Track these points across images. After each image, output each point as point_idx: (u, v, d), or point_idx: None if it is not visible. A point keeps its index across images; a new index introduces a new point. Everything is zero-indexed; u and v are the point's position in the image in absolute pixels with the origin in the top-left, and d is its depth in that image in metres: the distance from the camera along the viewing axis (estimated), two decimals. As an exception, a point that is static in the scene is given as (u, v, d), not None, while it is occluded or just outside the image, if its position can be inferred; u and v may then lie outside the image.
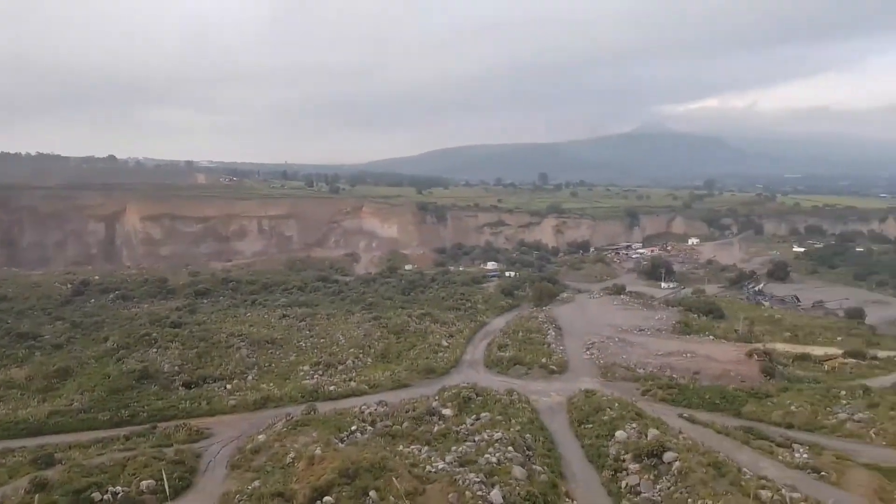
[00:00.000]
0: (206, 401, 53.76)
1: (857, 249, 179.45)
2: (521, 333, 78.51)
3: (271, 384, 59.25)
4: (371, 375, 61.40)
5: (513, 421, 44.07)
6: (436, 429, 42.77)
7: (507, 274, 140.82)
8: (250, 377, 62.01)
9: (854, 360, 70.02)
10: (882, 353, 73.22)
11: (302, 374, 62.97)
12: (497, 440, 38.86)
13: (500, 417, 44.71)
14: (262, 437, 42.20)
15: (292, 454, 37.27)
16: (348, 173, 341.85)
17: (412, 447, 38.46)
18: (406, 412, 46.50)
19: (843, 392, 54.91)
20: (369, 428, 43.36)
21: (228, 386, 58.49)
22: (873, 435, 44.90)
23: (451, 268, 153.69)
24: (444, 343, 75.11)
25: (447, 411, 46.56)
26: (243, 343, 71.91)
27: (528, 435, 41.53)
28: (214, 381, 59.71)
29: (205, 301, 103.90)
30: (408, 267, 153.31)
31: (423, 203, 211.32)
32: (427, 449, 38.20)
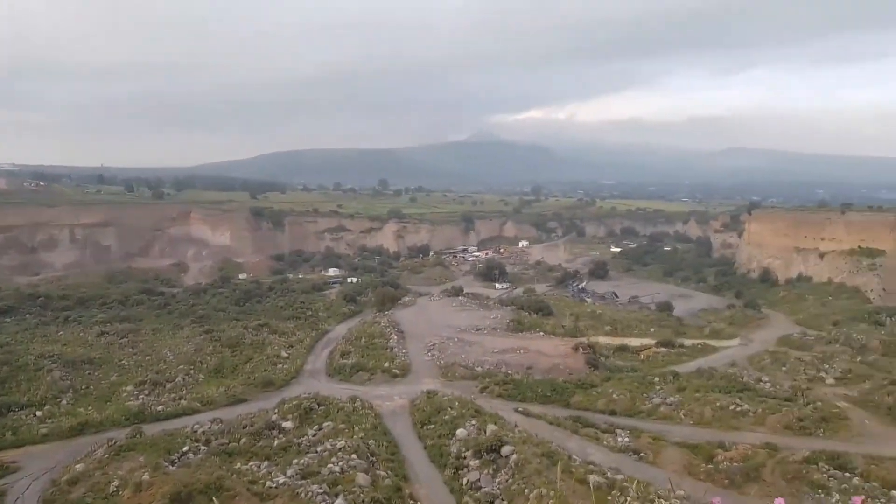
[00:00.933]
0: (10, 431, 47.52)
1: (665, 249, 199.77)
2: (363, 339, 78.09)
3: (90, 408, 53.80)
4: (204, 392, 57.85)
5: (356, 428, 43.67)
6: (276, 443, 41.25)
7: (349, 280, 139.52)
8: (65, 401, 55.82)
9: (665, 349, 77.74)
10: (688, 342, 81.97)
11: (125, 394, 57.83)
12: (340, 449, 38.29)
13: (343, 426, 44.11)
14: (80, 467, 38.02)
15: (116, 482, 34.01)
16: (173, 177, 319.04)
17: (251, 464, 36.78)
18: (243, 428, 44.33)
19: (657, 379, 60.68)
20: (203, 448, 40.74)
21: (39, 413, 52.15)
22: (682, 416, 50.11)
23: (290, 275, 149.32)
24: (284, 354, 72.76)
25: (288, 424, 45.07)
26: (55, 364, 64.45)
27: (371, 441, 41.35)
28: (21, 409, 52.92)
29: (7, 320, 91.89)
30: (242, 276, 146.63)
31: (257, 208, 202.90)
32: (267, 464, 36.73)
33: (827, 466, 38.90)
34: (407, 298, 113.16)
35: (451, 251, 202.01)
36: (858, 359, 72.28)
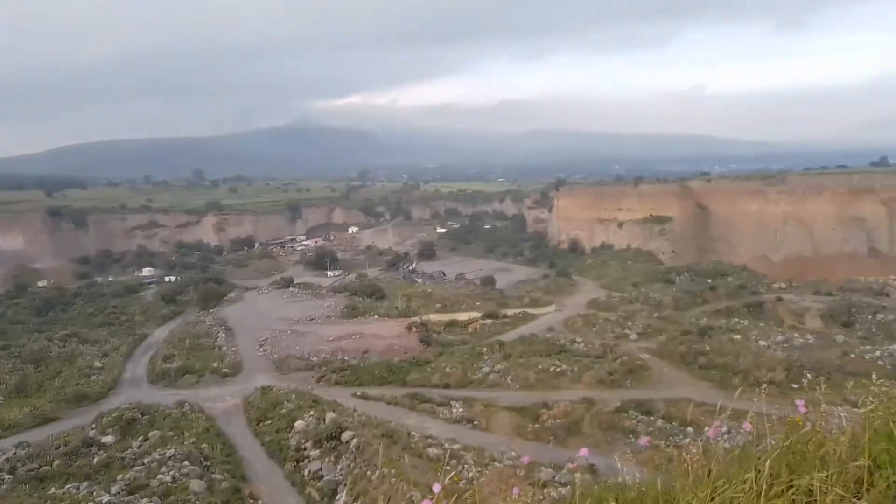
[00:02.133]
0: None
1: (486, 227, 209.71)
2: (188, 340, 73.72)
3: None
4: (5, 415, 51.45)
5: (186, 434, 41.48)
6: (96, 460, 37.97)
7: (166, 279, 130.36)
8: None
9: (490, 321, 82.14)
10: (510, 312, 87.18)
11: None
12: (170, 457, 36.25)
13: (171, 433, 41.65)
14: None
15: None
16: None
17: (68, 486, 33.62)
18: (56, 449, 40.17)
19: (485, 349, 64.08)
20: (8, 476, 36.42)
21: None
22: (509, 382, 53.57)
23: (99, 279, 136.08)
24: (98, 364, 66.60)
25: (108, 438, 41.59)
26: None
27: (204, 445, 39.55)
28: None
29: None
30: (42, 283, 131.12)
31: (55, 208, 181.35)
32: (87, 484, 33.79)
33: (635, 413, 44.02)
34: (233, 294, 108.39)
35: (279, 241, 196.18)
36: (655, 315, 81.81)
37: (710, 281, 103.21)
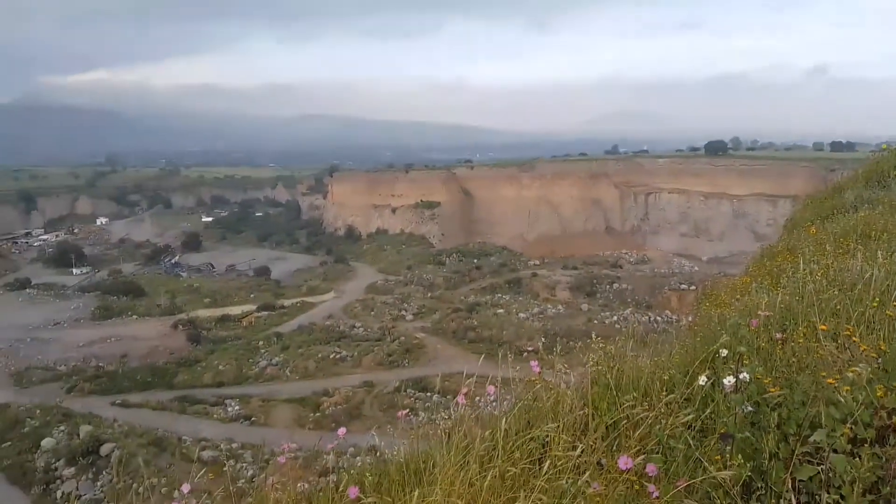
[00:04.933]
0: None
1: (257, 214, 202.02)
2: None
3: None
4: None
5: None
6: None
7: None
8: None
9: (266, 313, 79.66)
10: (287, 302, 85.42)
11: None
12: None
13: None
14: None
15: None
16: None
17: None
18: None
19: (261, 342, 62.13)
20: None
21: None
22: (288, 373, 52.62)
23: None
24: None
25: None
26: None
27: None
28: None
29: None
30: None
31: None
32: None
33: (413, 391, 45.89)
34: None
35: (10, 237, 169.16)
36: (429, 295, 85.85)
37: (475, 261, 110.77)
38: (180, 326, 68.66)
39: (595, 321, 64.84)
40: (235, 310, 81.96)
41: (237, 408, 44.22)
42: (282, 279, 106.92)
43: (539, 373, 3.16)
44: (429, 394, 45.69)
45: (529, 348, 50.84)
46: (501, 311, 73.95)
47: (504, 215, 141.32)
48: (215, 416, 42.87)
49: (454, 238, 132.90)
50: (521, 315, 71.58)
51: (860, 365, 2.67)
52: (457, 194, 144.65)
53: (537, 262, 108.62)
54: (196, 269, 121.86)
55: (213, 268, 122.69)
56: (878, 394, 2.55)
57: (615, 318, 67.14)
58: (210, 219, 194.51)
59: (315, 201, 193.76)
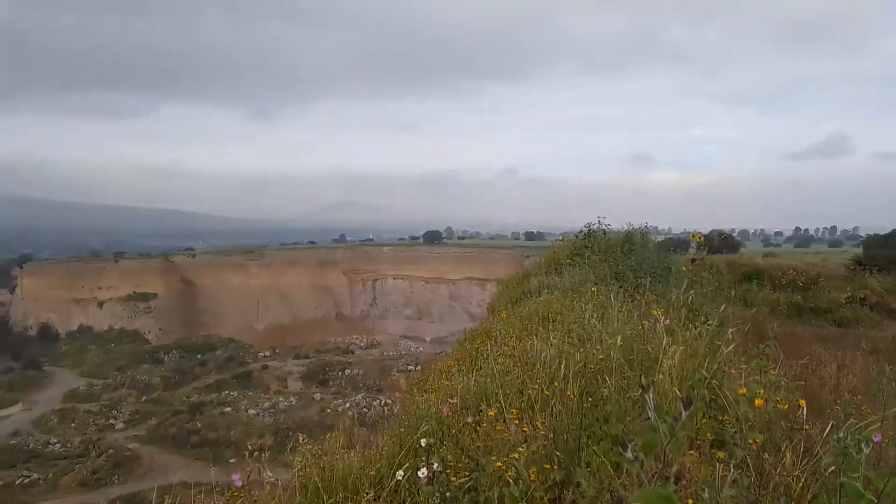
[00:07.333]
0: None
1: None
2: None
3: None
4: None
5: None
6: None
7: None
8: None
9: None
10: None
11: None
12: None
13: None
14: None
15: None
16: None
17: None
18: None
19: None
20: None
21: None
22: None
23: None
24: None
25: None
26: None
27: None
28: None
29: None
30: None
31: None
32: None
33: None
34: None
35: None
36: (143, 398, 77.30)
37: (199, 356, 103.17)
38: None
39: (328, 410, 64.42)
40: None
41: None
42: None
43: (242, 486, 3.20)
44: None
45: (259, 448, 48.51)
46: (229, 409, 69.61)
47: (230, 305, 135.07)
48: None
49: (174, 332, 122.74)
50: (251, 412, 68.16)
51: (522, 446, 3.37)
52: (176, 284, 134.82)
53: (268, 353, 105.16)
54: None
55: None
56: (546, 467, 3.29)
57: (348, 404, 67.52)
58: None
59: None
